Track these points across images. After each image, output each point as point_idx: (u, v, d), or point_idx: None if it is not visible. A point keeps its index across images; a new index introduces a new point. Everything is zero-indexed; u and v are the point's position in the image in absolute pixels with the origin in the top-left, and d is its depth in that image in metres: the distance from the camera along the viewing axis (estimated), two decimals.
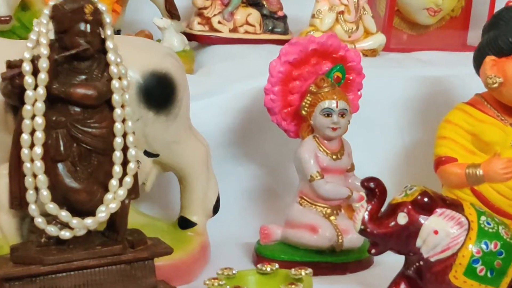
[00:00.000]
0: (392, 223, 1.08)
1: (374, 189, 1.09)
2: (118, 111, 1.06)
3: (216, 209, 1.38)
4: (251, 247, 1.40)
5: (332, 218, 1.36)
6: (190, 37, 1.80)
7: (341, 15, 1.79)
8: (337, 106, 1.34)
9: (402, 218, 1.08)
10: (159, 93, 1.25)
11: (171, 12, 1.75)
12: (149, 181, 1.32)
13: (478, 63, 1.36)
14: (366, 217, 1.08)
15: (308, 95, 1.37)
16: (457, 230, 1.07)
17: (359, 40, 1.81)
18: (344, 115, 1.35)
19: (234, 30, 1.81)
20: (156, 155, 1.29)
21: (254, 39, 1.80)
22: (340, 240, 1.34)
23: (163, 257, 1.14)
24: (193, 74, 1.69)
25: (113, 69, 1.06)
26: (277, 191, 1.53)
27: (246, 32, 1.82)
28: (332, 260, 1.35)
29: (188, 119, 1.33)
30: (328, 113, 1.34)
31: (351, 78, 1.42)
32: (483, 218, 1.09)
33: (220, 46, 1.78)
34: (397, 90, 1.63)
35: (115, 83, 1.06)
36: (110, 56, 1.05)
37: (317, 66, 1.39)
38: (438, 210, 1.08)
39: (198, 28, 1.80)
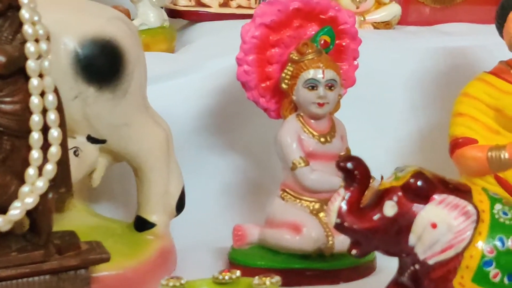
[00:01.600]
0: (378, 215, 0.84)
1: (352, 171, 0.84)
2: (34, 81, 0.87)
3: (180, 206, 1.16)
4: (226, 253, 1.15)
5: (321, 215, 1.12)
6: (175, 13, 1.59)
7: None
8: (323, 77, 1.10)
9: (390, 208, 0.84)
10: (101, 64, 1.05)
11: None
12: (97, 173, 1.12)
13: (501, 21, 1.15)
14: (344, 207, 0.85)
15: (289, 64, 1.13)
16: (462, 222, 0.83)
17: (369, 12, 1.57)
18: (332, 87, 1.10)
19: (225, 4, 1.60)
20: (103, 141, 1.09)
21: (249, 15, 1.54)
22: (331, 242, 1.10)
23: (109, 266, 0.97)
24: (174, 53, 1.46)
25: (27, 29, 0.86)
26: (262, 186, 1.31)
27: (239, 6, 1.61)
28: (321, 266, 1.12)
29: (143, 98, 1.12)
30: (312, 85, 1.09)
31: (344, 44, 1.17)
32: (498, 206, 0.84)
33: (209, 23, 1.55)
34: (411, 64, 1.42)
35: (29, 47, 0.86)
36: (24, 13, 0.86)
37: (300, 29, 1.15)
38: (437, 197, 0.83)
39: (183, 3, 1.59)
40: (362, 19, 1.55)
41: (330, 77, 1.11)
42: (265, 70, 1.15)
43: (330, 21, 1.16)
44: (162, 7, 1.55)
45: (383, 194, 0.85)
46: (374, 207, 0.85)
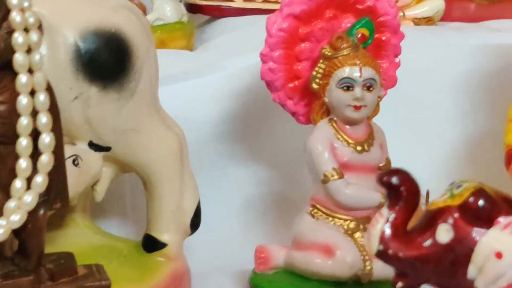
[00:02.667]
0: (429, 241, 0.70)
1: (398, 187, 0.68)
2: (22, 78, 0.74)
3: (195, 224, 1.02)
4: (247, 278, 1.02)
5: (357, 235, 0.97)
6: (195, 8, 1.46)
7: None
8: (360, 75, 0.95)
9: (444, 233, 0.70)
10: (105, 59, 0.91)
11: None
12: (101, 186, 0.98)
13: None
14: (388, 231, 0.71)
15: (321, 61, 0.98)
16: None
17: (409, 6, 1.43)
18: (371, 88, 0.95)
19: None
20: (107, 149, 0.95)
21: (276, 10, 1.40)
22: (368, 267, 0.95)
23: None
24: (193, 51, 1.32)
25: (14, 16, 0.73)
26: (289, 201, 1.17)
27: (266, 0, 1.47)
28: None
29: (153, 99, 0.98)
30: (348, 84, 0.95)
31: (383, 38, 1.02)
32: None
33: (232, 18, 1.41)
34: (457, 63, 1.26)
35: (17, 37, 0.73)
36: None
37: (334, 21, 1.00)
38: (503, 220, 0.69)
39: None
40: (402, 14, 1.40)
41: (368, 76, 0.96)
42: (294, 67, 1.01)
43: (369, 11, 1.01)
44: (180, 1, 1.41)
45: (436, 216, 0.70)
46: (425, 231, 0.71)
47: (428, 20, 1.43)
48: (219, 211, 1.15)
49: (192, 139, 1.09)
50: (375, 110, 1.01)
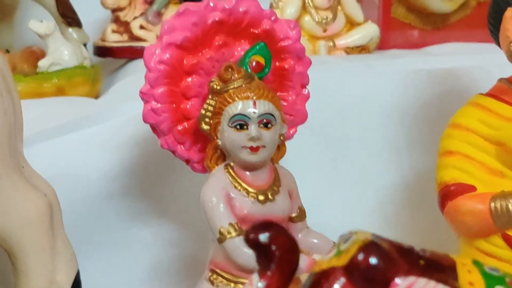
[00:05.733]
0: None
1: (268, 247, 0.52)
2: None
3: None
4: None
5: None
6: (104, 51, 1.30)
7: (309, 0, 1.25)
8: (255, 110, 0.78)
9: None
10: None
11: (66, 15, 1.25)
12: None
13: (495, 22, 0.84)
14: None
15: (210, 96, 0.81)
16: None
17: (339, 35, 1.26)
18: (269, 125, 0.79)
19: None
20: None
21: None
22: None
23: None
24: (98, 98, 1.16)
25: None
26: (203, 264, 0.96)
27: None
28: None
29: (13, 153, 0.82)
30: (241, 122, 0.79)
31: (286, 66, 0.86)
32: None
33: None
34: (389, 93, 1.09)
35: None
36: None
37: (225, 49, 0.84)
38: (401, 282, 0.51)
39: (113, 38, 1.30)
40: (332, 44, 1.26)
41: (264, 111, 0.80)
42: (181, 106, 0.85)
43: (266, 36, 0.86)
44: (85, 44, 1.25)
45: (319, 279, 0.54)
46: None
47: (362, 49, 1.28)
48: (120, 280, 0.98)
49: (81, 197, 0.93)
50: (280, 151, 0.86)
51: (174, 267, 1.02)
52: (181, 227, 1.02)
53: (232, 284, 0.82)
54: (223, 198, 0.81)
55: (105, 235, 0.99)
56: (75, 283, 0.84)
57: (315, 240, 0.86)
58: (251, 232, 0.54)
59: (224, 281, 0.82)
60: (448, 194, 0.83)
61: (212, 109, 0.82)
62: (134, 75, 1.16)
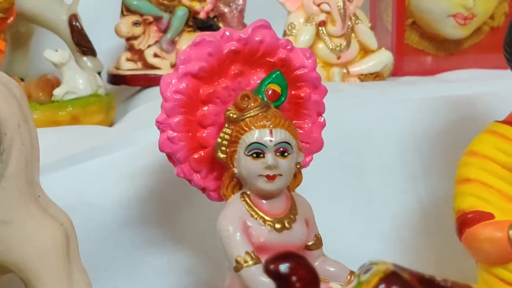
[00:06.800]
0: None
1: (288, 278, 0.52)
2: None
3: None
4: None
5: None
6: (119, 79, 1.31)
7: (323, 28, 1.24)
8: (271, 139, 0.78)
9: None
10: None
11: (81, 45, 1.25)
12: None
13: (510, 49, 0.80)
14: None
15: (226, 125, 0.82)
16: None
17: (353, 62, 1.26)
18: (286, 153, 0.79)
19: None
20: None
21: None
22: None
23: None
24: (112, 126, 1.17)
25: None
26: None
27: None
28: None
29: (30, 183, 0.82)
30: (257, 151, 0.79)
31: (302, 95, 0.86)
32: None
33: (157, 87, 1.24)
34: (404, 120, 1.10)
35: None
36: None
37: (241, 78, 0.85)
38: None
39: (127, 66, 1.29)
40: (345, 71, 1.26)
41: (281, 139, 0.80)
42: (197, 135, 0.85)
43: (281, 65, 0.86)
44: (99, 73, 1.26)
45: None
46: None
47: (376, 76, 1.28)
48: None
49: (97, 225, 0.93)
50: (297, 179, 0.86)
51: None
52: (197, 254, 1.02)
53: None
54: (239, 226, 0.81)
55: (121, 263, 0.99)
56: None
57: (332, 268, 0.86)
58: (271, 262, 0.54)
59: None
60: (466, 221, 0.83)
61: (228, 138, 0.82)
62: (149, 103, 1.16)
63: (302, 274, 0.54)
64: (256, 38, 0.85)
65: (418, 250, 1.05)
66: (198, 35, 0.85)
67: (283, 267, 0.54)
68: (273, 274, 0.54)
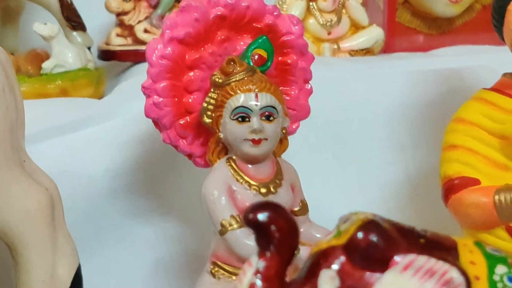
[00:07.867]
0: None
1: (267, 227, 0.52)
2: None
3: None
4: None
5: None
6: (109, 55, 1.30)
7: (314, 3, 1.24)
8: (257, 103, 0.77)
9: (328, 282, 0.54)
10: None
11: (71, 19, 1.24)
12: None
13: (498, 17, 0.84)
14: (258, 284, 0.51)
15: (212, 89, 0.81)
16: None
17: (344, 38, 1.26)
18: (271, 118, 0.79)
19: None
20: None
21: None
22: None
23: None
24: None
25: None
26: (206, 260, 0.96)
27: None
28: None
29: (15, 149, 0.82)
30: (243, 115, 0.79)
31: (289, 61, 0.86)
32: (500, 269, 0.53)
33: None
34: (394, 93, 1.11)
35: None
36: None
37: (227, 43, 0.84)
38: (400, 259, 0.51)
39: (117, 41, 1.29)
40: (336, 47, 1.26)
41: (266, 103, 0.80)
42: (183, 101, 0.85)
43: (268, 31, 0.86)
44: (89, 48, 1.26)
45: (318, 260, 0.54)
46: (306, 281, 0.53)
47: (366, 52, 1.28)
48: (124, 278, 0.97)
49: (85, 194, 0.93)
50: (283, 144, 0.85)
51: (178, 263, 1.02)
52: (184, 223, 1.02)
53: (234, 277, 0.81)
54: (225, 191, 0.81)
55: (108, 232, 0.99)
56: (76, 277, 0.84)
57: (317, 234, 0.85)
58: (250, 211, 0.54)
59: (226, 273, 0.82)
60: (452, 187, 0.83)
61: (214, 102, 0.82)
62: (138, 77, 1.15)
63: (281, 224, 0.53)
64: (243, 4, 0.84)
65: (405, 221, 1.04)
66: (184, 0, 0.85)
67: (262, 216, 0.53)
68: (252, 223, 0.54)
